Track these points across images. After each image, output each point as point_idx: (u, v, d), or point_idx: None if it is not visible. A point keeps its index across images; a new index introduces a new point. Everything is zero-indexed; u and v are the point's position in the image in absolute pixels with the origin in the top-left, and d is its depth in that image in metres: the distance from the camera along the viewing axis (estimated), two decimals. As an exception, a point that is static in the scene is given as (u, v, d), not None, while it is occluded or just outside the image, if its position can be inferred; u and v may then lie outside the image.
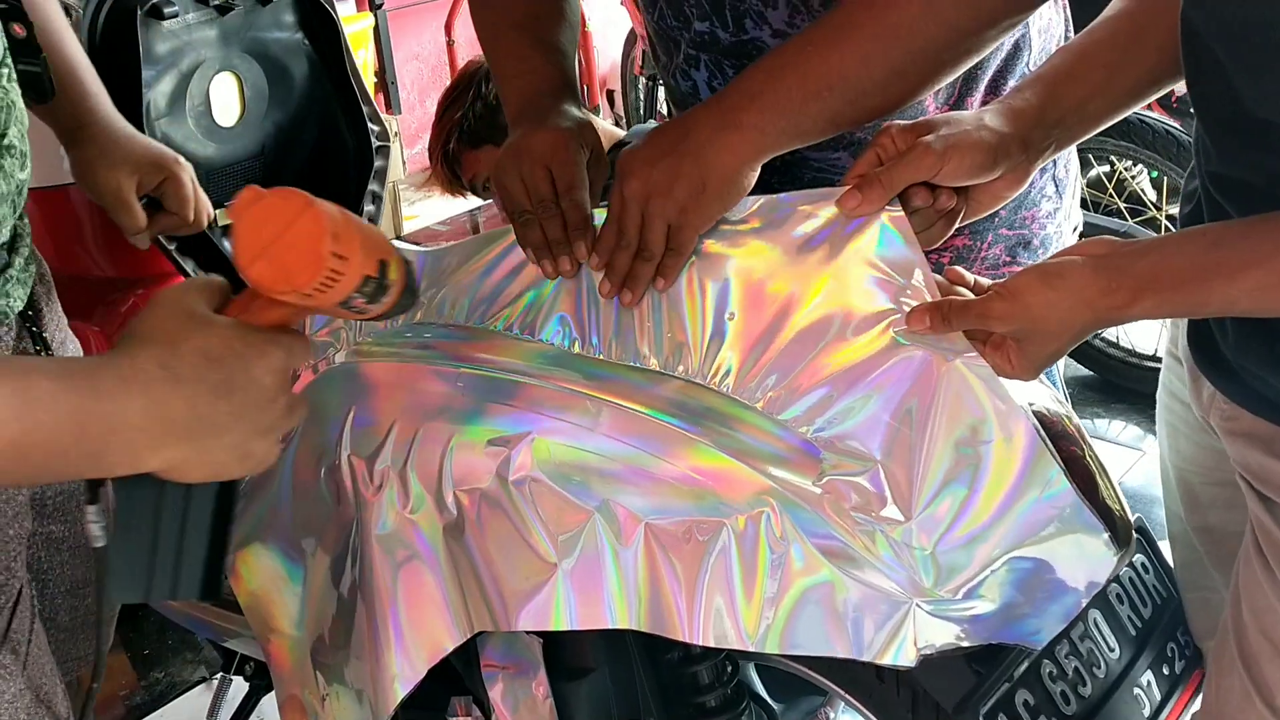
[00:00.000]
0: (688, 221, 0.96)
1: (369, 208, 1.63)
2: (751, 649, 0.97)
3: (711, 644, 0.98)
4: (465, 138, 1.86)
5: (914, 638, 0.93)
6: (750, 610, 0.96)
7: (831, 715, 1.25)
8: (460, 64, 5.54)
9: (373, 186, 1.62)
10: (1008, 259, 1.21)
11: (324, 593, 1.24)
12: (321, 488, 1.19)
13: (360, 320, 0.85)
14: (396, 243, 1.17)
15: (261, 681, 1.67)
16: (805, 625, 0.95)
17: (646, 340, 1.03)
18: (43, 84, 0.94)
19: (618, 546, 1.01)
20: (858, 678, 1.14)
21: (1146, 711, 1.04)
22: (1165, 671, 1.08)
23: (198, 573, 0.84)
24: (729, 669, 1.18)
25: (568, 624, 1.03)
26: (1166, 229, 3.05)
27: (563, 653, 1.16)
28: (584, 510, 1.02)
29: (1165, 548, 1.15)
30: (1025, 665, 0.98)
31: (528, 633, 1.15)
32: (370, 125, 1.59)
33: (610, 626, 1.02)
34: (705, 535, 0.97)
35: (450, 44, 5.46)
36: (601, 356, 1.04)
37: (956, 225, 0.95)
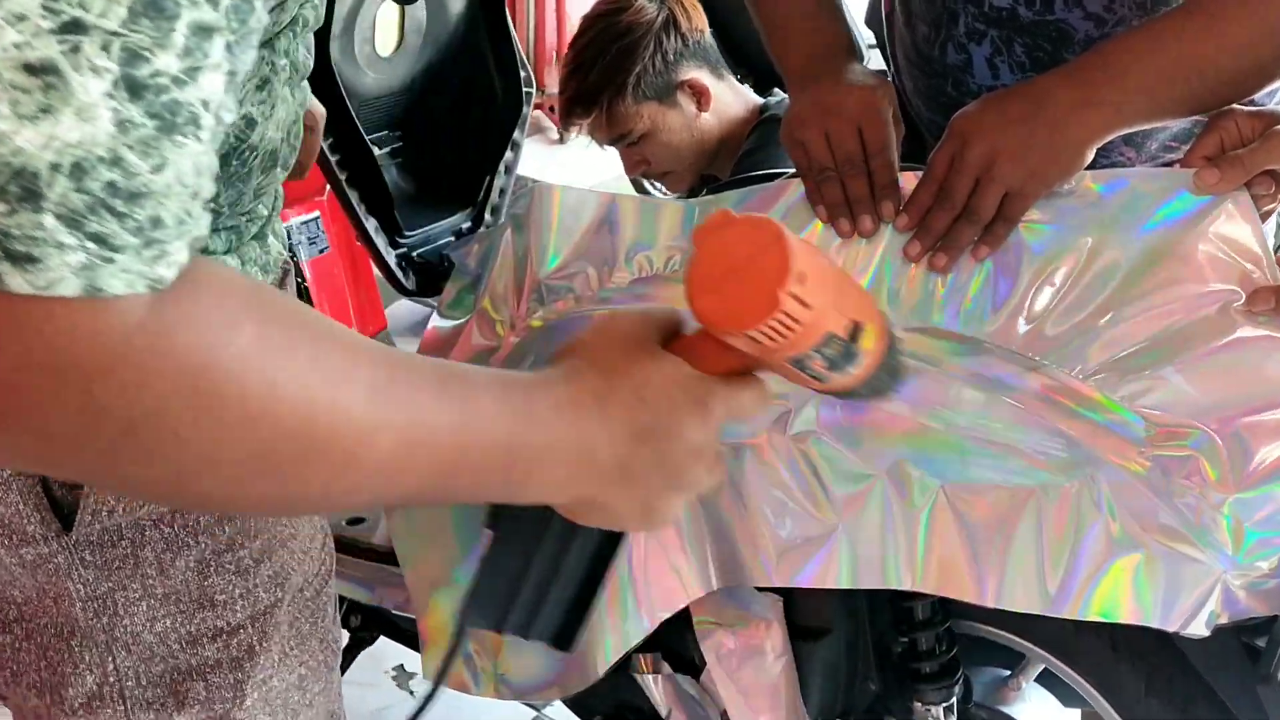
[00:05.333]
0: (1030, 190, 0.96)
1: (509, 155, 1.60)
2: (1052, 614, 0.98)
3: (1004, 607, 0.99)
4: (642, 91, 1.81)
5: (1216, 608, 0.96)
6: (1054, 576, 0.97)
7: (1023, 685, 1.28)
8: None
9: (515, 135, 1.59)
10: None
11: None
12: (537, 434, 1.17)
13: (819, 391, 0.73)
14: None
15: (366, 634, 1.63)
16: (1114, 593, 0.96)
17: (953, 305, 1.03)
18: None
19: (906, 508, 1.01)
20: (1081, 649, 1.17)
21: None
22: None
23: (556, 619, 0.76)
24: (947, 638, 1.19)
25: (848, 582, 1.03)
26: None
27: (797, 612, 1.16)
28: (872, 471, 1.02)
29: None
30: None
31: (762, 589, 1.14)
32: (520, 71, 1.55)
33: (889, 586, 1.02)
34: (1012, 500, 0.98)
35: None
36: (901, 321, 1.04)
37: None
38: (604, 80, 1.83)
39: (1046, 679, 1.27)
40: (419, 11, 1.48)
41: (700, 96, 1.84)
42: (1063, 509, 0.97)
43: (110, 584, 0.77)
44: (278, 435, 0.53)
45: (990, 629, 1.21)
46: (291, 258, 0.95)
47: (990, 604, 0.99)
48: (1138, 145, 1.17)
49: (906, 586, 1.01)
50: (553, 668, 1.21)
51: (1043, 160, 0.95)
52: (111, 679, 0.80)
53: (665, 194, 2.25)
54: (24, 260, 0.45)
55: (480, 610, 0.74)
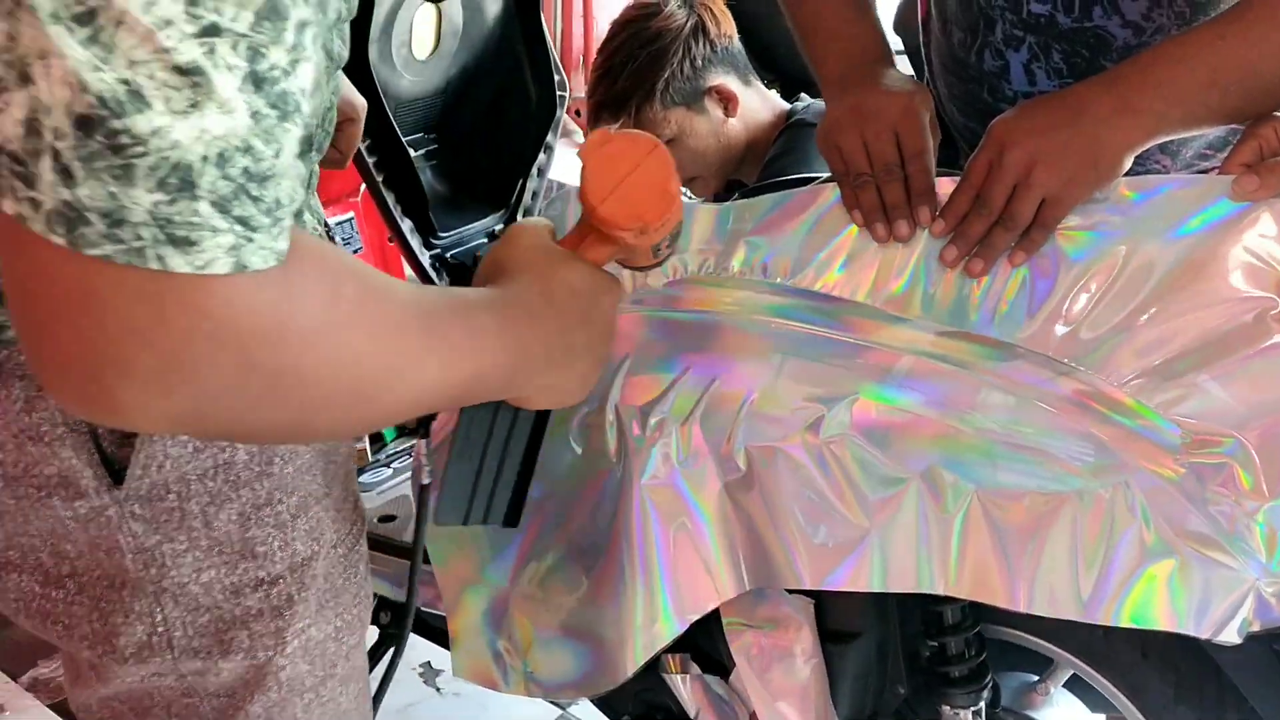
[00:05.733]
0: (1068, 196, 0.97)
1: (541, 157, 1.61)
2: (1085, 620, 0.98)
3: (1037, 612, 0.99)
4: (670, 96, 1.82)
5: (1249, 615, 0.96)
6: (1087, 582, 0.97)
7: (1050, 690, 1.28)
8: None
9: (548, 138, 1.60)
10: None
11: (546, 541, 1.22)
12: (570, 435, 1.18)
13: (637, 269, 0.90)
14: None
15: (395, 631, 1.63)
16: (1147, 599, 0.96)
17: (987, 309, 1.03)
18: None
19: (940, 513, 1.01)
20: (1111, 654, 1.18)
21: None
22: None
23: (506, 500, 0.88)
24: (976, 643, 1.20)
25: (879, 586, 1.04)
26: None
27: (828, 615, 1.17)
28: (905, 475, 1.02)
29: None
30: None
31: (793, 591, 1.15)
32: (554, 75, 1.56)
33: (922, 590, 1.03)
34: (1046, 506, 0.98)
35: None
36: (933, 325, 1.05)
37: None
38: (633, 85, 1.84)
39: (1075, 684, 1.28)
40: (455, 15, 1.49)
41: (728, 102, 1.85)
42: (1097, 515, 0.97)
43: (158, 536, 0.81)
44: (373, 372, 0.64)
45: (1019, 634, 1.22)
46: (327, 231, 1.00)
47: (1023, 609, 0.99)
48: (1173, 153, 1.17)
49: (939, 591, 1.01)
50: (582, 667, 1.22)
51: (1081, 167, 0.96)
52: (160, 629, 0.84)
53: (691, 199, 2.26)
54: (183, 243, 0.51)
55: (449, 508, 0.87)
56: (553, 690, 1.26)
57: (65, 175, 0.49)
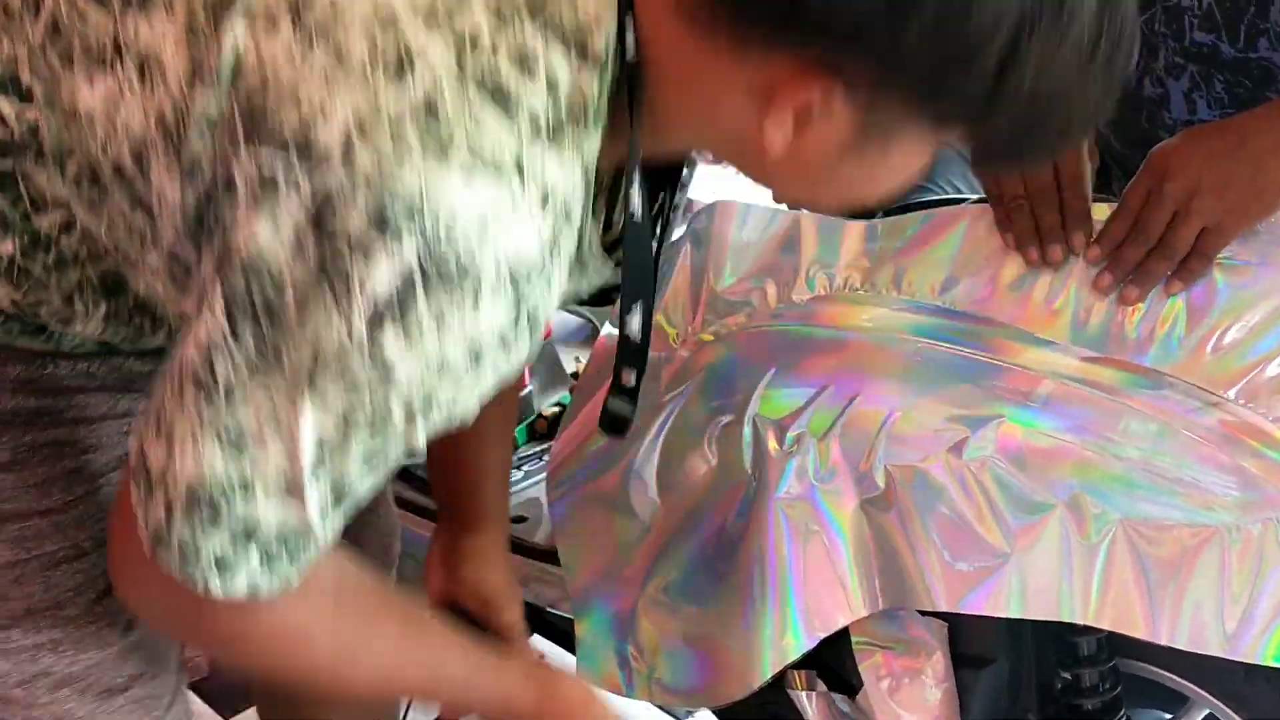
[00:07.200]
0: (1229, 226, 0.95)
1: (685, 172, 1.61)
2: (1229, 656, 0.96)
3: (1182, 646, 0.97)
4: None
5: None
6: (1233, 618, 0.96)
7: (1184, 730, 1.26)
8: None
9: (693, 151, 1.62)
10: None
11: (677, 550, 1.23)
12: (706, 446, 1.19)
13: None
14: None
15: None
16: (1298, 638, 0.95)
17: (1140, 336, 1.02)
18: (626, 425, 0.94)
19: (1082, 541, 1.00)
20: (1251, 696, 1.15)
21: None
22: None
23: None
24: (1111, 676, 1.18)
25: (1017, 612, 1.03)
26: None
27: (961, 639, 1.16)
28: (1049, 501, 1.01)
29: None
30: None
31: (925, 614, 1.15)
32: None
33: (1061, 619, 1.02)
34: (1193, 539, 0.97)
35: None
36: (1079, 350, 1.04)
37: None
38: None
39: (1210, 725, 1.25)
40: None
41: None
42: (1246, 550, 0.95)
43: None
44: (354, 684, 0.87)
45: (1156, 670, 1.19)
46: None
47: (1164, 642, 0.98)
48: (1336, 186, 1.14)
49: (1080, 620, 1.00)
50: (708, 676, 1.22)
51: (1243, 197, 0.94)
52: None
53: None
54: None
55: None
56: (677, 696, 1.27)
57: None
